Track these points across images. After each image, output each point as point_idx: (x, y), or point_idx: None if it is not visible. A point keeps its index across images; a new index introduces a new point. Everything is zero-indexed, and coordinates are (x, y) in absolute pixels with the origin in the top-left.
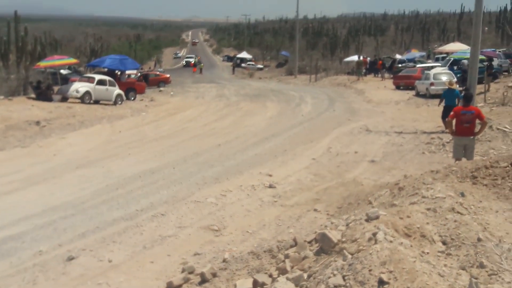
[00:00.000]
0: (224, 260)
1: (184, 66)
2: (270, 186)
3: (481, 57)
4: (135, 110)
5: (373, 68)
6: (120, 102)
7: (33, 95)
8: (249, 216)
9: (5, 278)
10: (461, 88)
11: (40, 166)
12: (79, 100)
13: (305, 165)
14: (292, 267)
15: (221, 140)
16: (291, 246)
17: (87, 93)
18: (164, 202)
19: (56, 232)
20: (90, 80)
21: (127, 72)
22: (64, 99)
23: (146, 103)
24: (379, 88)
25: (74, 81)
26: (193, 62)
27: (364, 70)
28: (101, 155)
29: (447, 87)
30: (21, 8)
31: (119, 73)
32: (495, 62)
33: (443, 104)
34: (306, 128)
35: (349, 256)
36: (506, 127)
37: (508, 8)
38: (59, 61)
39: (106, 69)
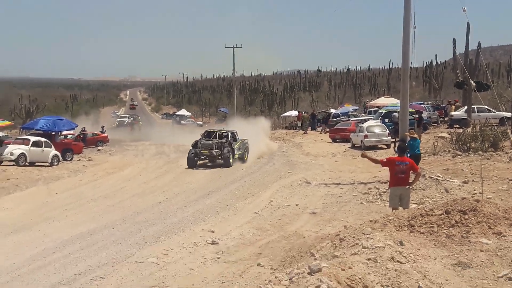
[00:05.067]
0: None
1: (117, 126)
2: (213, 243)
3: (411, 109)
4: (72, 170)
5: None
6: (56, 163)
7: None
8: (191, 274)
9: None
10: (393, 140)
11: None
12: (13, 163)
13: (247, 220)
14: None
15: (161, 197)
16: None
17: (22, 155)
18: (103, 264)
19: None
20: (25, 142)
21: (65, 132)
22: None
23: (84, 163)
24: (316, 141)
25: (9, 143)
26: (127, 122)
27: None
28: (36, 218)
29: (408, 138)
30: None
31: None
32: (425, 114)
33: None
34: (247, 182)
35: None
36: (438, 176)
37: (434, 63)
38: None
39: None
